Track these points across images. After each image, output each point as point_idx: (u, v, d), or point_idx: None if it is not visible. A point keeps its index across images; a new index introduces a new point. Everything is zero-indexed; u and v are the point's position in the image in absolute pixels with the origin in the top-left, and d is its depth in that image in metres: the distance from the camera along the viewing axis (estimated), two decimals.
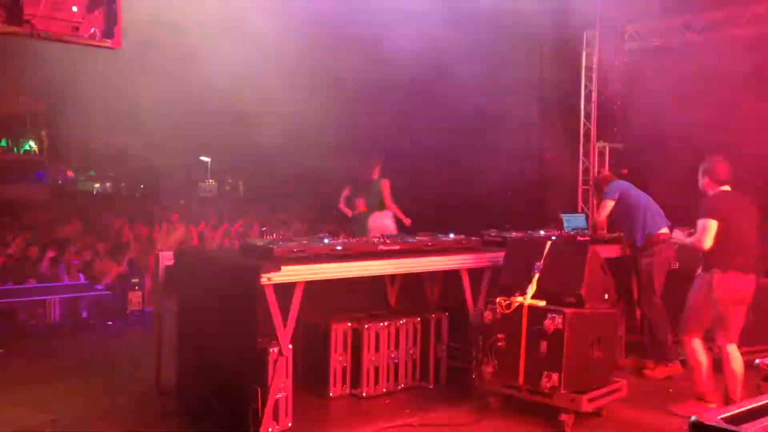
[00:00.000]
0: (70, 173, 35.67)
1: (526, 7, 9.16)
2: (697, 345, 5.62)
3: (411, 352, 6.10)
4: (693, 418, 1.99)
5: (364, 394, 5.81)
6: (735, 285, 5.43)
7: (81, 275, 9.94)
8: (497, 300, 5.39)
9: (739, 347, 5.51)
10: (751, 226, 5.58)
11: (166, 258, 5.82)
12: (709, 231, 5.42)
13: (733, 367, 5.40)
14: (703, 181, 5.72)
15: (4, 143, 32.12)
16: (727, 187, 5.65)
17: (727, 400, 5.39)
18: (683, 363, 6.25)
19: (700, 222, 5.50)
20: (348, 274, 5.27)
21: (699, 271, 5.66)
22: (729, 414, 2.02)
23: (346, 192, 8.81)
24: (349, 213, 8.77)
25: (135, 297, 9.11)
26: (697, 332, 5.64)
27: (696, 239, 5.53)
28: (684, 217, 7.63)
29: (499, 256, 6.00)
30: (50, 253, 10.25)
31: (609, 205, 6.95)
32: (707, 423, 1.95)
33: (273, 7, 8.89)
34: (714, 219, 5.43)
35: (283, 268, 4.75)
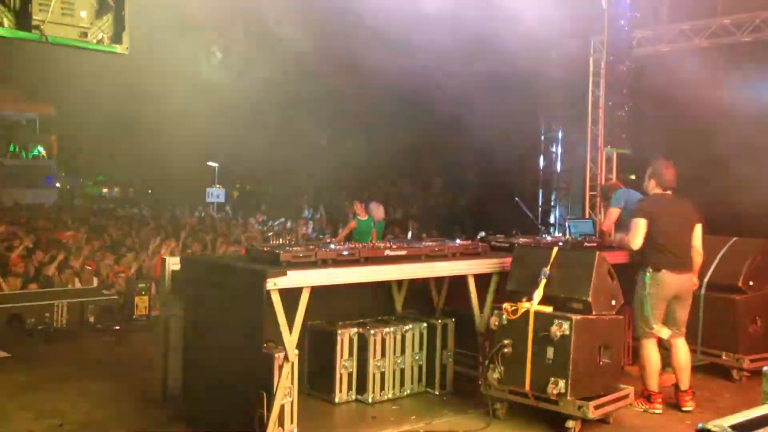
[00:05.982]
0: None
1: (534, 13, 9.14)
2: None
3: (417, 357, 6.09)
4: (700, 425, 1.97)
5: (369, 400, 5.80)
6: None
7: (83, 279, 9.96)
8: (504, 306, 5.37)
9: (748, 355, 5.45)
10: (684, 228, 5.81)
11: (173, 263, 5.83)
12: (638, 230, 5.68)
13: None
14: (648, 183, 5.99)
15: (13, 148, 32.21)
16: (669, 192, 5.92)
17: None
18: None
19: (632, 221, 5.77)
20: (354, 279, 5.27)
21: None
22: (737, 422, 2.00)
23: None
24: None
25: (141, 301, 9.12)
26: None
27: (625, 237, 5.84)
28: None
29: (505, 261, 5.98)
30: (59, 258, 10.28)
31: (614, 213, 7.09)
32: (715, 431, 1.94)
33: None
34: (643, 218, 5.68)
35: (289, 273, 4.74)
